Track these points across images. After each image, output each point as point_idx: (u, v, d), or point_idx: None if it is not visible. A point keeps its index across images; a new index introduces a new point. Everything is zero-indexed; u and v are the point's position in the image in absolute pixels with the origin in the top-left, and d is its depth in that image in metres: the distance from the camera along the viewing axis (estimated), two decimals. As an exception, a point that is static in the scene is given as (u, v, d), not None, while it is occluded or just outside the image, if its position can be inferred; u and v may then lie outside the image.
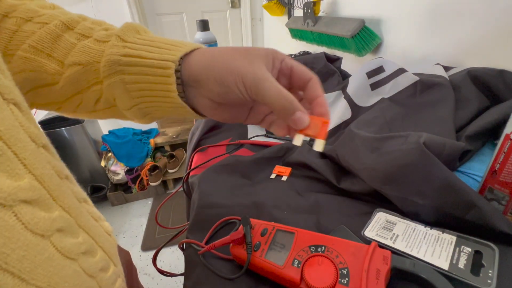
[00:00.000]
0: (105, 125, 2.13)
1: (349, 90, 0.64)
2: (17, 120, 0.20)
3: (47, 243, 0.20)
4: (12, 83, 0.21)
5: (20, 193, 0.18)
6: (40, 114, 1.81)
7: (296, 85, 0.29)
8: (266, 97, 0.25)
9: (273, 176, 0.52)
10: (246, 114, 0.32)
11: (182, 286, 0.37)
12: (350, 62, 0.96)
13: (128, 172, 1.99)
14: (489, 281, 0.27)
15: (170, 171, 2.08)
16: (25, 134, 0.21)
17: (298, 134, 0.27)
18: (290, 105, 0.25)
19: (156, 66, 0.26)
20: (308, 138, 0.29)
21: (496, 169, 0.34)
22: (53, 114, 1.74)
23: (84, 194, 0.30)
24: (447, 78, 0.55)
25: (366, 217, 0.38)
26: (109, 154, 1.98)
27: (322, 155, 0.53)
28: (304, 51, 1.12)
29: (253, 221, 0.37)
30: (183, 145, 2.22)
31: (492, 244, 0.30)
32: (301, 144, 0.27)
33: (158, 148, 2.25)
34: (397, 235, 0.34)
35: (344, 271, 0.28)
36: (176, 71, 0.26)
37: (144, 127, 2.23)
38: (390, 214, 0.37)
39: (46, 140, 0.24)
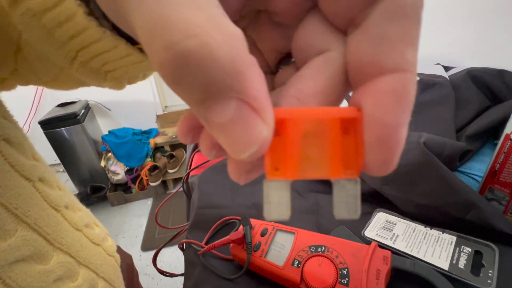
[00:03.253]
0: (105, 125, 2.13)
1: (349, 90, 0.64)
2: (6, 160, 0.19)
3: None
4: (1, 114, 0.20)
5: (10, 255, 0.18)
6: (40, 114, 1.81)
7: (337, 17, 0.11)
8: (131, 20, 0.09)
9: (273, 176, 0.52)
10: None
11: (182, 286, 0.37)
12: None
13: (128, 172, 1.99)
14: (489, 281, 0.27)
15: (170, 171, 2.08)
16: (16, 175, 0.20)
17: (265, 180, 0.10)
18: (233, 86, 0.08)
19: None
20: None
21: (496, 169, 0.34)
22: (53, 114, 1.74)
23: (86, 218, 0.30)
24: (447, 78, 0.55)
25: (366, 217, 0.38)
26: (109, 154, 1.98)
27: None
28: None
29: (253, 221, 0.36)
30: (183, 145, 2.21)
31: (492, 244, 0.30)
32: (279, 217, 0.10)
33: (158, 148, 2.24)
34: (397, 235, 0.34)
35: (344, 271, 0.28)
36: None
37: (144, 127, 2.23)
38: (390, 214, 0.37)
39: (43, 170, 0.23)
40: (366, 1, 0.09)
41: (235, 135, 0.08)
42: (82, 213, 0.30)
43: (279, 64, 0.14)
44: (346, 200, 0.10)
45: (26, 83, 0.25)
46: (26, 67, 0.23)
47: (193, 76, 0.07)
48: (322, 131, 0.09)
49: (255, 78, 0.08)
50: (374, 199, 0.42)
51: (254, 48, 0.14)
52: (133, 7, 0.08)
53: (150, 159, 2.11)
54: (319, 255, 0.30)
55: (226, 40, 0.07)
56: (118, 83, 0.22)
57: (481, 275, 0.27)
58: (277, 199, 0.10)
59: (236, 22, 0.12)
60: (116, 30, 0.16)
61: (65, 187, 0.30)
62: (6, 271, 0.17)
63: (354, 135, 0.09)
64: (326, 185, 0.48)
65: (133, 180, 2.02)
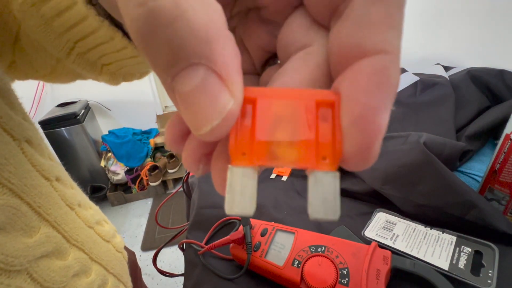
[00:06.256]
0: (105, 125, 2.13)
1: (349, 90, 0.64)
2: (29, 161, 0.20)
3: None
4: (22, 116, 0.21)
5: (37, 250, 0.19)
6: (40, 114, 1.81)
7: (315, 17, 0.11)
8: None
9: (273, 176, 0.52)
10: None
11: (182, 286, 0.37)
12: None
13: (128, 172, 1.99)
14: (489, 281, 0.27)
15: (170, 171, 2.08)
16: (37, 174, 0.21)
17: (230, 166, 0.09)
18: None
19: None
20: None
21: (496, 169, 0.34)
22: (54, 114, 1.74)
23: (96, 215, 0.31)
24: (447, 78, 0.55)
25: (366, 217, 0.38)
26: (109, 154, 1.98)
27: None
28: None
29: (253, 221, 0.36)
30: (183, 145, 2.21)
31: (492, 244, 0.30)
32: (242, 210, 0.09)
33: (158, 148, 2.24)
34: (397, 235, 0.34)
35: (344, 271, 0.28)
36: None
37: (144, 127, 2.23)
38: (390, 214, 0.37)
39: (58, 170, 0.24)
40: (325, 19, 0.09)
41: (198, 105, 0.08)
42: (93, 211, 0.31)
43: (265, 65, 0.15)
44: (323, 197, 0.08)
45: (24, 77, 0.25)
46: (24, 59, 0.23)
47: (162, 36, 0.07)
48: (296, 114, 0.08)
49: (227, 48, 0.08)
50: (374, 199, 0.42)
51: (241, 46, 0.14)
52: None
53: (150, 159, 2.11)
54: (319, 255, 0.30)
55: (203, 6, 0.07)
56: (113, 78, 0.22)
57: (481, 275, 0.27)
58: (241, 189, 0.08)
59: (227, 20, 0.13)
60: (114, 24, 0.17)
61: (76, 185, 0.31)
62: (33, 266, 0.18)
63: (332, 122, 0.08)
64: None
65: (133, 180, 2.02)
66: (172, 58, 0.07)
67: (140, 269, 0.47)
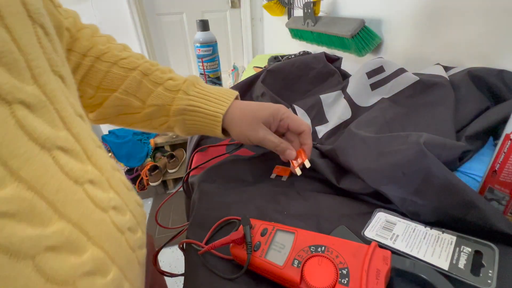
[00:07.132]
0: (105, 125, 2.13)
1: (349, 90, 0.64)
2: (59, 88, 0.22)
3: (79, 189, 0.21)
4: (63, 60, 0.24)
5: (58, 141, 0.20)
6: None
7: (293, 132, 0.47)
8: (267, 147, 0.45)
9: (273, 176, 0.52)
10: None
11: (182, 286, 0.37)
12: (350, 62, 0.96)
13: (128, 172, 1.99)
14: (489, 281, 0.27)
15: (170, 171, 2.08)
16: (64, 98, 0.23)
17: (296, 169, 0.45)
18: (282, 149, 0.44)
19: (210, 115, 0.44)
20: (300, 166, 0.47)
21: (496, 169, 0.34)
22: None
23: (116, 165, 0.32)
24: (447, 78, 0.55)
25: (366, 217, 0.38)
26: (109, 154, 1.98)
27: (322, 155, 0.53)
28: (304, 51, 1.11)
29: (253, 221, 0.37)
30: (183, 145, 2.22)
31: (492, 244, 0.30)
32: (300, 173, 0.45)
33: (158, 148, 2.24)
34: (397, 235, 0.34)
35: (344, 271, 0.28)
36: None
37: (144, 127, 2.23)
38: (390, 214, 0.37)
39: (82, 111, 0.27)
40: (297, 133, 0.47)
41: (287, 155, 0.45)
42: (113, 162, 0.31)
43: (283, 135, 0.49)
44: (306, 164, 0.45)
45: (125, 126, 0.48)
46: (144, 124, 0.47)
47: (284, 150, 0.46)
48: (300, 152, 0.46)
49: (289, 145, 0.45)
50: (374, 199, 0.42)
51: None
52: (260, 142, 0.45)
53: (150, 159, 2.11)
54: (319, 255, 0.30)
55: (285, 143, 0.46)
56: (191, 135, 0.57)
57: (481, 275, 0.27)
58: (294, 168, 0.45)
59: None
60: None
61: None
62: (56, 151, 0.20)
63: (304, 149, 0.46)
64: (326, 185, 0.48)
65: (133, 180, 2.02)
66: (279, 151, 0.46)
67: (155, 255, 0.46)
